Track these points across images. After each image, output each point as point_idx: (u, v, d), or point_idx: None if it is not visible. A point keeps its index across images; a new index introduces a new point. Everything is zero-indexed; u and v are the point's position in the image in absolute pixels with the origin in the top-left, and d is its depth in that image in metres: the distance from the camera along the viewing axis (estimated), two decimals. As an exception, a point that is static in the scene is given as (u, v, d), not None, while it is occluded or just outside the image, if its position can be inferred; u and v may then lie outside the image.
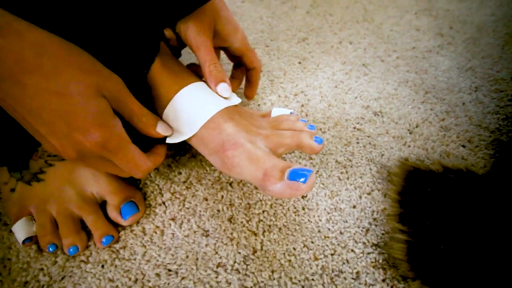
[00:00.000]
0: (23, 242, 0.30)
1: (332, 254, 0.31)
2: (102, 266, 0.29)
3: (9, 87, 0.20)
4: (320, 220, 0.33)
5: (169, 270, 0.29)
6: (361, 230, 0.33)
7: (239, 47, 0.36)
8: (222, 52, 0.42)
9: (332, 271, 0.30)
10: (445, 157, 0.40)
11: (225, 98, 0.31)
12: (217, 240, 0.31)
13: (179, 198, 0.34)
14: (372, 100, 0.47)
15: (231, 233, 0.32)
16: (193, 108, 0.29)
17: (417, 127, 0.44)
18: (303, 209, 0.34)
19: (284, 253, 0.31)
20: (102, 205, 0.32)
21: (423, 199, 0.33)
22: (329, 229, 0.33)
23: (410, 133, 0.43)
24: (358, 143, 0.41)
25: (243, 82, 0.43)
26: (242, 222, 0.33)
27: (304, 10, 0.67)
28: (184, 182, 0.36)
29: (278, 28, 0.62)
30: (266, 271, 0.29)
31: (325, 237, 0.32)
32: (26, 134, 0.24)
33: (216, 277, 0.29)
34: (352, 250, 0.31)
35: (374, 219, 0.34)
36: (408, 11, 0.69)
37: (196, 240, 0.31)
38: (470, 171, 0.36)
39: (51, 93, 0.20)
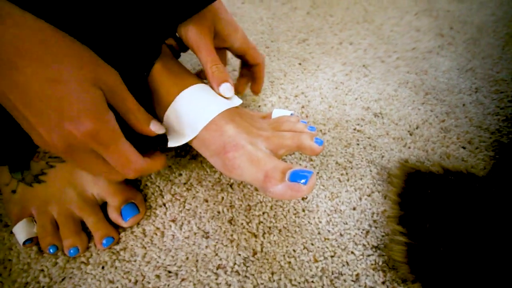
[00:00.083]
0: (24, 243, 0.30)
1: (332, 256, 0.31)
2: (102, 268, 0.29)
3: (5, 72, 0.20)
4: (320, 222, 0.33)
5: (169, 272, 0.29)
6: (361, 232, 0.33)
7: (240, 46, 0.37)
8: (229, 53, 0.43)
9: (332, 273, 0.30)
10: (445, 159, 0.40)
11: (227, 98, 0.31)
12: (217, 242, 0.31)
13: (179, 200, 0.34)
14: (372, 101, 0.47)
15: (231, 235, 0.32)
16: (194, 110, 0.29)
17: (417, 128, 0.44)
18: (303, 211, 0.34)
19: (284, 255, 0.31)
20: (102, 206, 0.33)
21: (423, 201, 0.33)
22: (329, 231, 0.33)
23: (410, 135, 0.43)
24: (358, 144, 0.41)
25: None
26: (242, 223, 0.33)
27: (304, 11, 0.67)
28: (184, 183, 0.36)
29: (278, 29, 0.62)
30: (266, 273, 0.29)
31: (325, 239, 0.32)
32: (27, 133, 0.24)
33: (216, 279, 0.29)
34: (352, 252, 0.31)
35: (374, 221, 0.34)
36: (408, 11, 0.69)
37: (196, 242, 0.31)
38: (470, 172, 0.36)
39: (46, 80, 0.20)
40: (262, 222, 0.33)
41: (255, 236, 0.32)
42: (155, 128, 0.27)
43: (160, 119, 0.31)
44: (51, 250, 0.29)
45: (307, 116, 0.45)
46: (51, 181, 0.32)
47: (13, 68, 0.20)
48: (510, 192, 0.33)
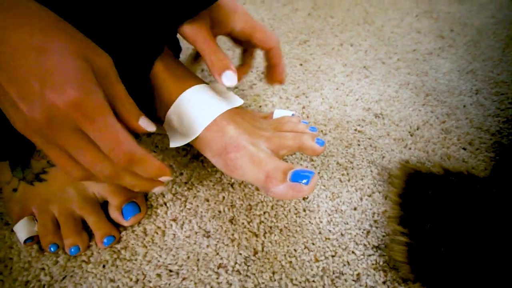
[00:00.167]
0: (25, 241, 0.30)
1: (333, 256, 0.31)
2: (103, 266, 0.29)
3: None
4: (321, 222, 0.33)
5: (170, 271, 0.29)
6: (362, 232, 0.33)
7: (242, 29, 0.32)
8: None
9: (333, 273, 0.30)
10: (446, 160, 0.40)
11: (231, 86, 0.29)
12: (218, 241, 0.31)
13: (180, 199, 0.34)
14: (373, 102, 0.47)
15: (232, 234, 0.32)
16: (196, 111, 0.29)
17: (418, 129, 0.44)
18: (304, 210, 0.34)
19: (285, 255, 0.31)
20: (103, 205, 0.33)
21: (423, 202, 0.33)
22: (330, 231, 0.33)
23: (411, 136, 0.43)
24: (359, 145, 0.41)
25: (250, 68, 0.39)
26: (243, 223, 0.33)
27: (305, 12, 0.68)
28: (185, 183, 0.36)
29: (279, 30, 0.62)
30: (267, 272, 0.29)
31: (326, 238, 0.32)
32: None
33: (217, 278, 0.29)
34: (353, 252, 0.31)
35: (375, 221, 0.34)
36: (408, 13, 0.69)
37: (197, 241, 0.31)
38: (470, 173, 0.36)
39: (32, 48, 0.19)
40: (263, 222, 0.33)
41: (256, 235, 0.32)
42: (144, 124, 0.25)
43: (161, 120, 0.32)
44: (52, 249, 0.29)
45: (308, 117, 0.45)
46: (52, 179, 0.32)
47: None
48: (510, 193, 0.33)
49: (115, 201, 0.32)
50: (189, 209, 0.34)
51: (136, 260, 0.30)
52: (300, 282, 0.29)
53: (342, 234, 0.32)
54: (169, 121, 0.30)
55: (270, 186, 0.26)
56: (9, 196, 0.32)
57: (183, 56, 0.44)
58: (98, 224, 0.31)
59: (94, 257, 0.30)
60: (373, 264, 0.30)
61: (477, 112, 0.46)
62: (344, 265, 0.30)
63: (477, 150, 0.41)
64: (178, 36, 0.33)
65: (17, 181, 0.32)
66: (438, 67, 0.55)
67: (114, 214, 0.32)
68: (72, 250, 0.29)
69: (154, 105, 0.32)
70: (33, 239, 0.30)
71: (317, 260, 0.30)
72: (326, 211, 0.34)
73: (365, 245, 0.32)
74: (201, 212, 0.33)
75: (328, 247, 0.31)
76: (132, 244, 0.31)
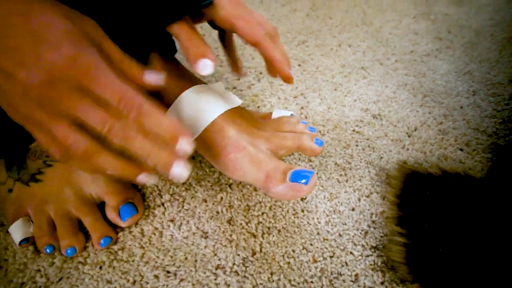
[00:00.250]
0: (20, 243, 0.29)
1: (331, 257, 0.31)
2: (100, 268, 0.29)
3: None
4: (319, 223, 0.33)
5: (168, 272, 0.29)
6: (360, 233, 0.33)
7: (224, 17, 0.27)
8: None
9: (331, 274, 0.30)
10: (443, 161, 0.40)
11: (206, 75, 0.26)
12: (216, 242, 0.31)
13: (178, 200, 0.34)
14: (371, 103, 0.47)
15: (230, 235, 0.32)
16: (195, 112, 0.29)
17: (415, 130, 0.44)
18: (302, 211, 0.34)
19: (283, 255, 0.31)
20: (100, 206, 0.32)
21: (421, 202, 0.33)
22: (328, 231, 0.33)
23: (409, 136, 0.43)
24: (357, 145, 0.41)
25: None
26: (241, 224, 0.33)
27: (303, 13, 0.68)
28: (183, 183, 0.36)
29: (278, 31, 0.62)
30: (265, 273, 0.29)
31: (324, 239, 0.32)
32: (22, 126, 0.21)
33: (215, 279, 0.29)
34: (351, 253, 0.31)
35: (373, 221, 0.34)
36: (406, 15, 0.69)
37: (195, 242, 0.31)
38: (467, 174, 0.36)
39: (17, 15, 0.19)
40: (261, 223, 0.33)
41: (254, 236, 0.32)
42: (150, 76, 0.22)
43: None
44: (47, 250, 0.29)
45: (306, 117, 0.45)
46: (48, 180, 0.31)
47: None
48: (507, 194, 0.33)
49: (112, 202, 0.31)
50: (187, 209, 0.34)
51: (133, 261, 0.30)
52: (299, 283, 0.29)
53: (340, 235, 0.32)
54: None
55: (270, 187, 0.26)
56: (4, 197, 0.31)
57: (182, 57, 0.44)
58: (95, 225, 0.30)
59: (90, 258, 0.30)
60: (371, 264, 0.30)
61: (474, 113, 0.46)
62: (342, 265, 0.30)
63: (474, 151, 0.41)
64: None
65: (13, 182, 0.31)
66: (436, 69, 0.55)
67: (111, 215, 0.31)
68: (69, 251, 0.29)
69: None
70: (28, 240, 0.30)
71: (315, 261, 0.30)
72: (324, 211, 0.34)
73: (363, 245, 0.32)
74: (199, 212, 0.33)
75: (326, 248, 0.31)
76: (130, 245, 0.31)
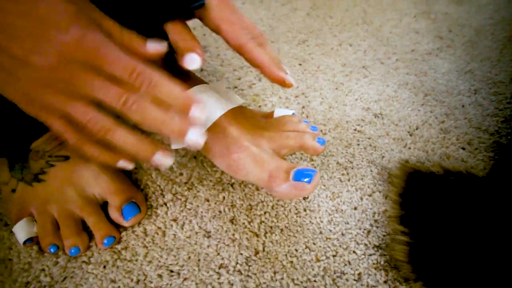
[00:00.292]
0: (24, 242, 0.29)
1: (334, 256, 0.31)
2: (104, 267, 0.29)
3: None
4: (322, 222, 0.33)
5: (171, 271, 0.29)
6: (363, 232, 0.33)
7: (210, 18, 0.26)
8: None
9: (334, 273, 0.30)
10: (445, 159, 0.40)
11: (193, 70, 0.26)
12: (219, 241, 0.31)
13: (180, 199, 0.34)
14: (372, 102, 0.47)
15: (233, 234, 0.32)
16: None
17: (417, 129, 0.44)
18: (305, 210, 0.34)
19: (286, 255, 0.31)
20: (103, 206, 0.32)
21: (423, 201, 0.33)
22: (330, 230, 0.33)
23: (410, 135, 0.43)
24: (358, 145, 0.41)
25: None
26: (244, 223, 0.33)
27: (304, 12, 0.68)
28: (185, 183, 0.36)
29: (278, 30, 0.62)
30: (268, 272, 0.29)
31: (326, 238, 0.32)
32: (25, 123, 0.21)
33: (218, 278, 0.29)
34: (354, 252, 0.31)
35: (375, 220, 0.34)
36: (407, 14, 0.69)
37: (198, 241, 0.31)
38: (470, 173, 0.36)
39: (24, 2, 0.19)
40: (263, 222, 0.33)
41: (257, 235, 0.32)
42: (153, 45, 0.22)
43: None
44: (51, 250, 0.29)
45: (307, 117, 0.45)
46: (51, 180, 0.31)
47: None
48: (509, 192, 0.33)
49: (115, 202, 0.32)
50: (190, 209, 0.34)
51: (136, 260, 0.30)
52: (302, 282, 0.29)
53: (342, 234, 0.32)
54: None
55: (274, 186, 0.26)
56: (8, 197, 0.32)
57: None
58: (98, 225, 0.31)
59: (94, 257, 0.30)
60: (374, 263, 0.30)
61: (476, 112, 0.47)
62: (345, 264, 0.30)
63: (476, 150, 0.41)
64: None
65: (16, 182, 0.31)
66: (437, 67, 0.55)
67: (114, 214, 0.31)
68: (72, 251, 0.29)
69: None
70: (32, 240, 0.30)
71: (318, 260, 0.30)
72: (326, 211, 0.34)
73: (366, 244, 0.32)
74: (202, 212, 0.33)
75: (329, 247, 0.31)
76: (133, 245, 0.31)
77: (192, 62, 0.24)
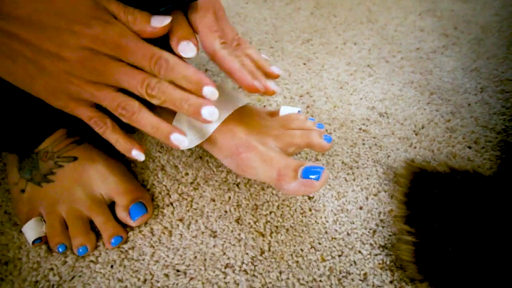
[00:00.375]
0: (33, 242, 0.30)
1: (339, 256, 0.31)
2: (111, 266, 0.30)
3: (8, 10, 0.20)
4: (327, 221, 0.33)
5: (178, 271, 0.29)
6: (368, 232, 0.33)
7: (191, 18, 0.26)
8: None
9: (340, 273, 0.30)
10: (451, 158, 0.40)
11: (188, 58, 0.25)
12: (225, 241, 0.31)
13: (186, 199, 0.35)
14: (377, 101, 0.47)
15: (239, 234, 0.32)
16: None
17: (422, 128, 0.44)
18: (310, 210, 0.34)
19: (291, 254, 0.31)
20: (111, 206, 0.33)
21: (430, 201, 0.33)
22: (336, 230, 0.33)
23: (416, 134, 0.43)
24: (364, 144, 0.41)
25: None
26: (249, 223, 0.33)
27: (308, 12, 0.68)
28: (191, 183, 0.36)
29: (282, 29, 0.62)
30: (274, 272, 0.30)
31: (332, 238, 0.32)
32: (34, 120, 0.23)
33: (224, 278, 0.29)
34: (360, 252, 0.31)
35: (381, 220, 0.34)
36: (412, 11, 0.69)
37: (204, 241, 0.31)
38: (476, 172, 0.36)
39: (38, 2, 0.20)
40: (269, 222, 0.33)
41: (263, 235, 0.32)
42: (156, 21, 0.23)
43: (169, 124, 0.31)
44: (60, 249, 0.30)
45: (312, 116, 0.45)
46: (60, 180, 0.32)
47: (13, 3, 0.20)
48: (517, 192, 0.33)
49: (122, 202, 0.32)
50: (195, 209, 0.34)
51: (143, 260, 0.30)
52: (307, 282, 0.29)
53: (348, 234, 0.32)
54: (177, 124, 0.30)
55: (283, 184, 0.26)
56: (17, 197, 0.32)
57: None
58: (106, 225, 0.31)
59: (102, 257, 0.30)
60: (380, 263, 0.30)
61: (482, 111, 0.46)
62: (351, 264, 0.30)
63: (483, 149, 0.41)
64: None
65: (25, 182, 0.32)
66: (442, 66, 0.54)
67: (121, 214, 0.32)
68: (80, 250, 0.30)
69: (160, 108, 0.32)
70: (41, 240, 0.30)
71: (323, 260, 0.30)
72: (332, 210, 0.34)
73: (371, 244, 0.32)
74: (207, 212, 0.34)
75: (334, 247, 0.31)
76: (140, 244, 0.31)
77: (186, 49, 0.24)
